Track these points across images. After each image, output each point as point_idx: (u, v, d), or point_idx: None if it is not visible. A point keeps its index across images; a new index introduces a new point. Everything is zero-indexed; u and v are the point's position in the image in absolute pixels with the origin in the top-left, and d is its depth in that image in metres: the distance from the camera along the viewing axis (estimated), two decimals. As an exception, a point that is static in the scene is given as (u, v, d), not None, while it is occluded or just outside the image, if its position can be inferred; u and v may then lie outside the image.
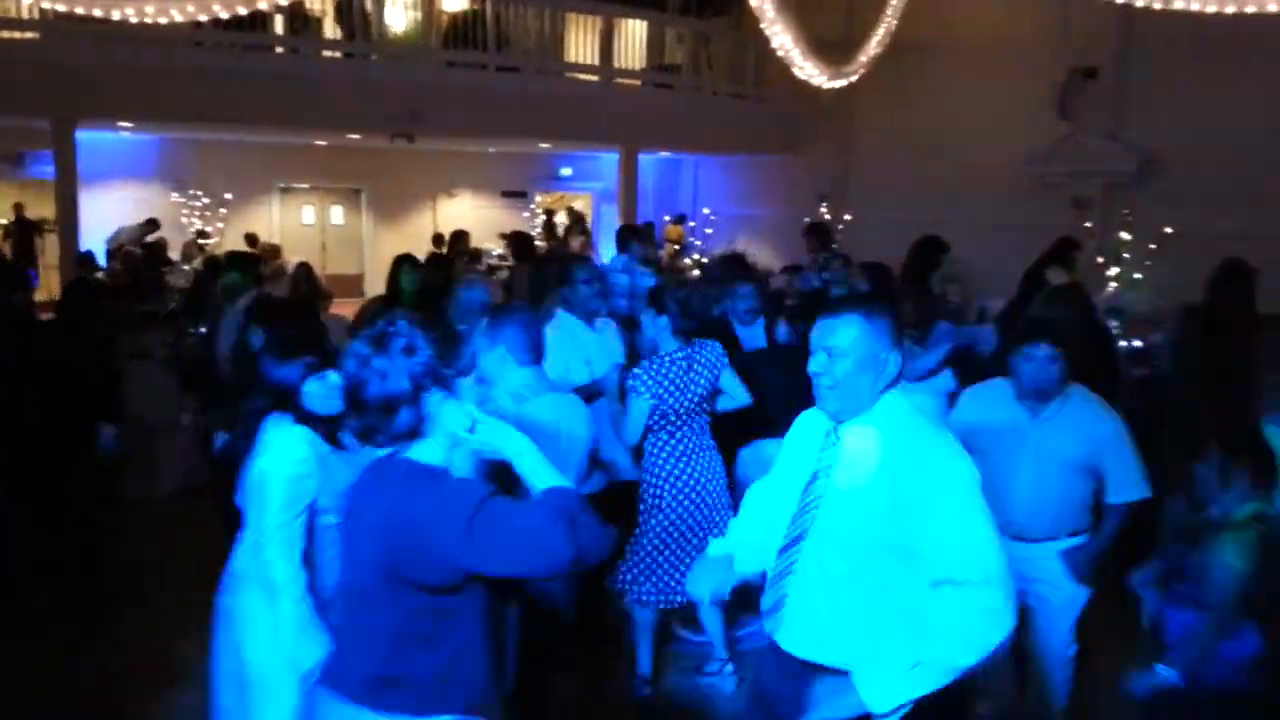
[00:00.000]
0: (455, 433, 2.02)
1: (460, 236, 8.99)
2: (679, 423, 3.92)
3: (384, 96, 10.35)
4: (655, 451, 3.94)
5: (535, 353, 3.21)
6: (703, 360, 3.97)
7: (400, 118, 10.46)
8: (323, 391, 2.76)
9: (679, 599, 3.92)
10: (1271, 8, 6.93)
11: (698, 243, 12.87)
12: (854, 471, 2.18)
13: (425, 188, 15.30)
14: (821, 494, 2.22)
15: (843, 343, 2.17)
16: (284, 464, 2.70)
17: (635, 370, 3.93)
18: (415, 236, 14.34)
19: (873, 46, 10.28)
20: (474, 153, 14.95)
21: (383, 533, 1.95)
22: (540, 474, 2.00)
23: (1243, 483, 2.79)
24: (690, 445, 3.96)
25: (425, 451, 2.00)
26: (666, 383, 3.85)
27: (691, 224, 13.65)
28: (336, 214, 15.55)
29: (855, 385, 2.18)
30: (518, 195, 15.69)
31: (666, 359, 3.90)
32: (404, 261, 5.86)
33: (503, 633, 2.03)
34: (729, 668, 4.17)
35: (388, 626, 1.98)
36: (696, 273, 10.22)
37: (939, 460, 2.11)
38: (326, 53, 10.90)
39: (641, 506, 3.99)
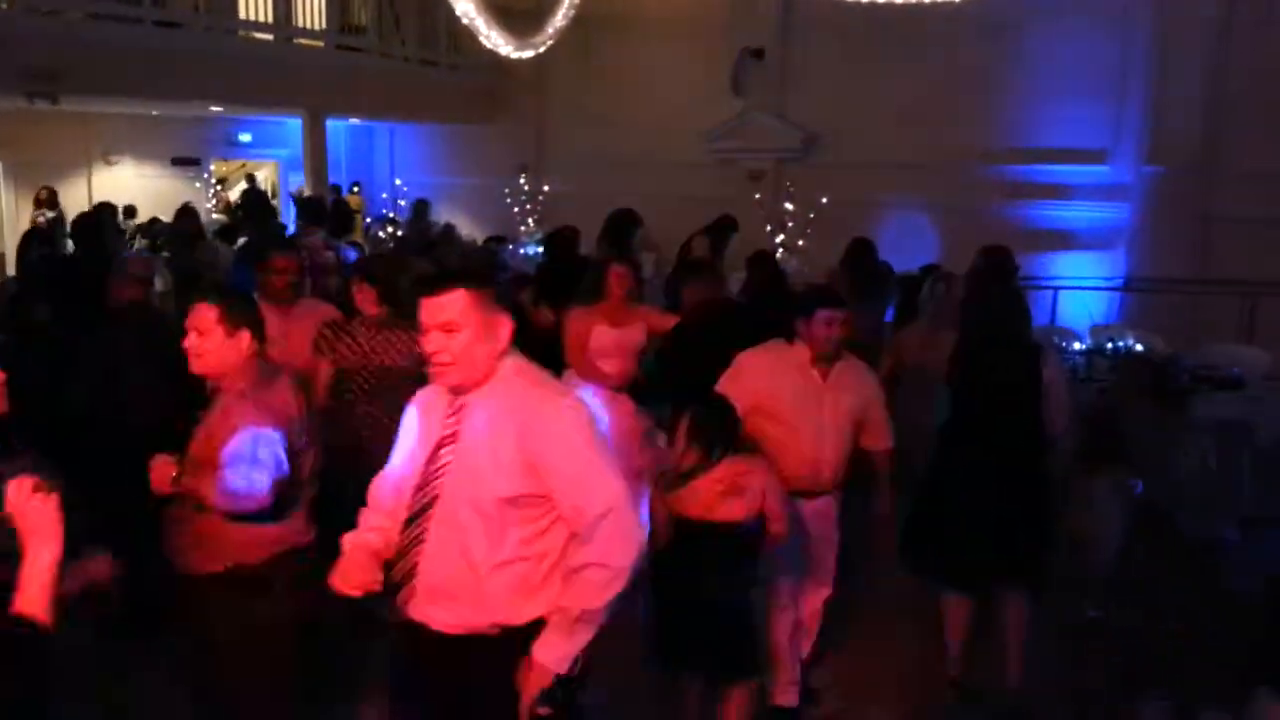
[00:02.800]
0: None
1: (104, 209, 8.00)
2: (361, 390, 3.93)
3: (14, 51, 9.05)
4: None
5: None
6: (404, 335, 3.96)
7: (37, 76, 9.20)
8: None
9: None
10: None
11: (390, 214, 12.46)
12: (479, 434, 2.24)
13: (77, 155, 13.58)
14: (448, 460, 2.27)
15: (456, 316, 2.21)
16: None
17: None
18: (69, 211, 12.74)
19: (559, 18, 10.42)
20: (136, 115, 13.44)
21: None
22: None
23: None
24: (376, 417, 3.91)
25: None
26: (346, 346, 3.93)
27: (385, 195, 13.19)
28: (-34, 185, 13.46)
29: (474, 356, 2.23)
30: (190, 163, 14.35)
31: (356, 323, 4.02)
32: (31, 238, 5.21)
33: None
34: None
35: None
36: (391, 246, 9.92)
37: (555, 412, 2.25)
38: (-62, -2, 9.35)
39: None
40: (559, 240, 6.64)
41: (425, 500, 2.29)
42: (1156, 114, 9.13)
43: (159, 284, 7.14)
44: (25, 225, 12.15)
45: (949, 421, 3.86)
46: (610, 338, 4.64)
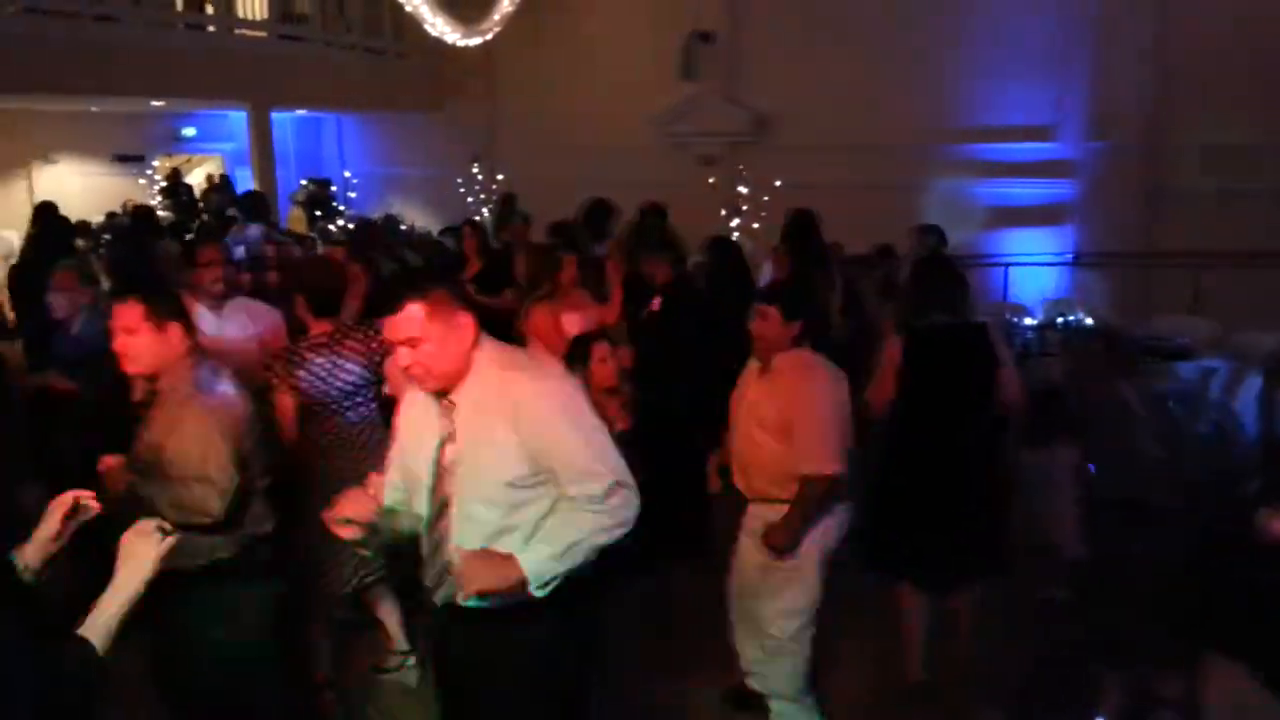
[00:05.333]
0: None
1: (47, 209, 7.74)
2: (329, 408, 3.71)
3: (-58, 48, 8.77)
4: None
5: None
6: (358, 342, 3.78)
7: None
8: None
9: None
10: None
11: (340, 206, 12.28)
12: (474, 429, 2.28)
13: (15, 154, 13.18)
14: (452, 459, 2.30)
15: (415, 330, 2.23)
16: None
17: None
18: (9, 212, 12.37)
19: (506, 4, 10.31)
20: (75, 112, 13.09)
21: None
22: None
23: None
24: (344, 434, 3.74)
25: None
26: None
27: (334, 187, 12.98)
28: (-100, 186, 13.03)
29: (444, 361, 2.26)
30: (134, 160, 14.02)
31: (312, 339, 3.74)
32: None
33: None
34: (410, 660, 4.05)
35: None
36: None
37: (534, 390, 2.28)
38: None
39: None
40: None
41: (439, 503, 2.34)
42: (1100, 89, 9.23)
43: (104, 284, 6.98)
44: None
45: (900, 410, 3.73)
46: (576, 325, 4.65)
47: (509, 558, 2.21)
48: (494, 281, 6.25)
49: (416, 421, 2.42)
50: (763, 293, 3.59)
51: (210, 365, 2.94)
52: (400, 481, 2.50)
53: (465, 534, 2.30)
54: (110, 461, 2.87)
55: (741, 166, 10.01)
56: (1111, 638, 3.42)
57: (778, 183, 9.17)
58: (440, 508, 2.33)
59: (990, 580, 3.84)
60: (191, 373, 2.85)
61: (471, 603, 2.30)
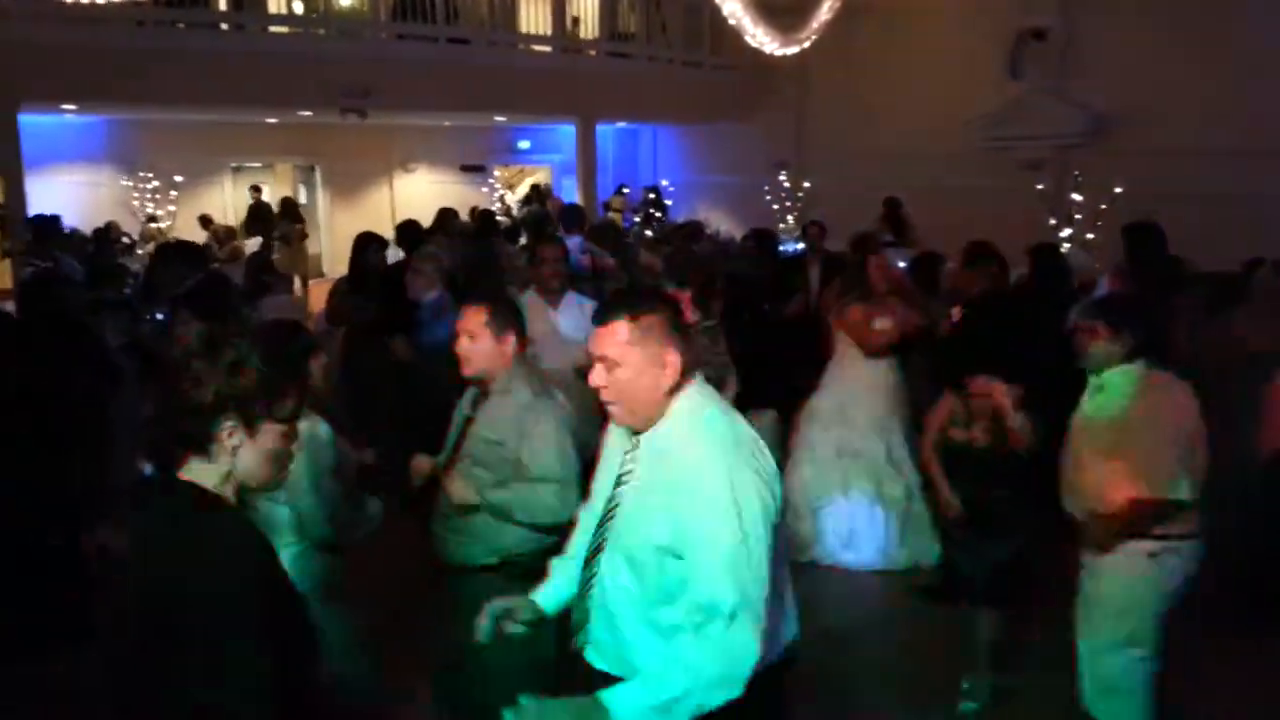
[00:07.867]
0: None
1: (447, 215, 9.01)
2: None
3: (333, 72, 10.19)
4: None
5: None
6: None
7: (350, 93, 10.31)
8: None
9: None
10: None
11: (657, 214, 12.84)
12: (643, 478, 2.07)
13: (381, 163, 15.09)
14: (619, 501, 2.11)
15: (614, 351, 2.02)
16: None
17: None
18: (373, 213, 14.13)
19: (824, 12, 10.31)
20: (430, 127, 14.76)
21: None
22: None
23: None
24: None
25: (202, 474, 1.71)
26: None
27: (651, 195, 13.60)
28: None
29: (634, 393, 2.04)
30: (476, 169, 15.54)
31: None
32: (370, 241, 5.80)
33: None
34: None
35: None
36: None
37: (712, 473, 1.94)
38: (272, 28, 10.70)
39: None
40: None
41: (598, 542, 2.14)
42: None
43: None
44: (340, 227, 13.65)
45: None
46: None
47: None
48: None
49: (610, 452, 2.22)
50: (1086, 307, 3.34)
51: (537, 372, 3.12)
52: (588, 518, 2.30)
53: (608, 585, 2.10)
54: (421, 463, 3.07)
55: (1077, 172, 9.28)
56: None
57: (1118, 189, 8.43)
58: (598, 548, 2.13)
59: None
60: (525, 379, 3.00)
61: (602, 664, 2.11)
